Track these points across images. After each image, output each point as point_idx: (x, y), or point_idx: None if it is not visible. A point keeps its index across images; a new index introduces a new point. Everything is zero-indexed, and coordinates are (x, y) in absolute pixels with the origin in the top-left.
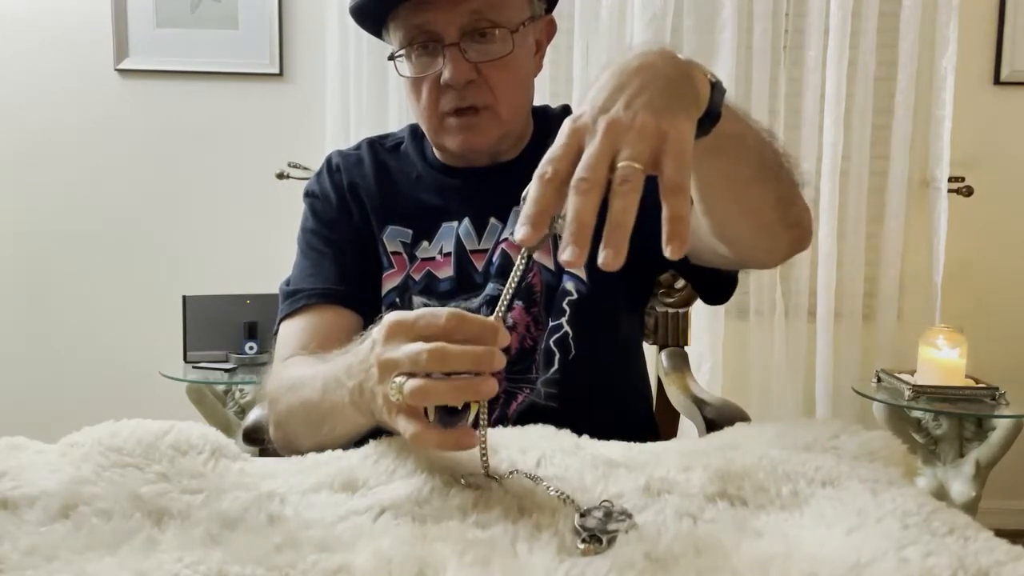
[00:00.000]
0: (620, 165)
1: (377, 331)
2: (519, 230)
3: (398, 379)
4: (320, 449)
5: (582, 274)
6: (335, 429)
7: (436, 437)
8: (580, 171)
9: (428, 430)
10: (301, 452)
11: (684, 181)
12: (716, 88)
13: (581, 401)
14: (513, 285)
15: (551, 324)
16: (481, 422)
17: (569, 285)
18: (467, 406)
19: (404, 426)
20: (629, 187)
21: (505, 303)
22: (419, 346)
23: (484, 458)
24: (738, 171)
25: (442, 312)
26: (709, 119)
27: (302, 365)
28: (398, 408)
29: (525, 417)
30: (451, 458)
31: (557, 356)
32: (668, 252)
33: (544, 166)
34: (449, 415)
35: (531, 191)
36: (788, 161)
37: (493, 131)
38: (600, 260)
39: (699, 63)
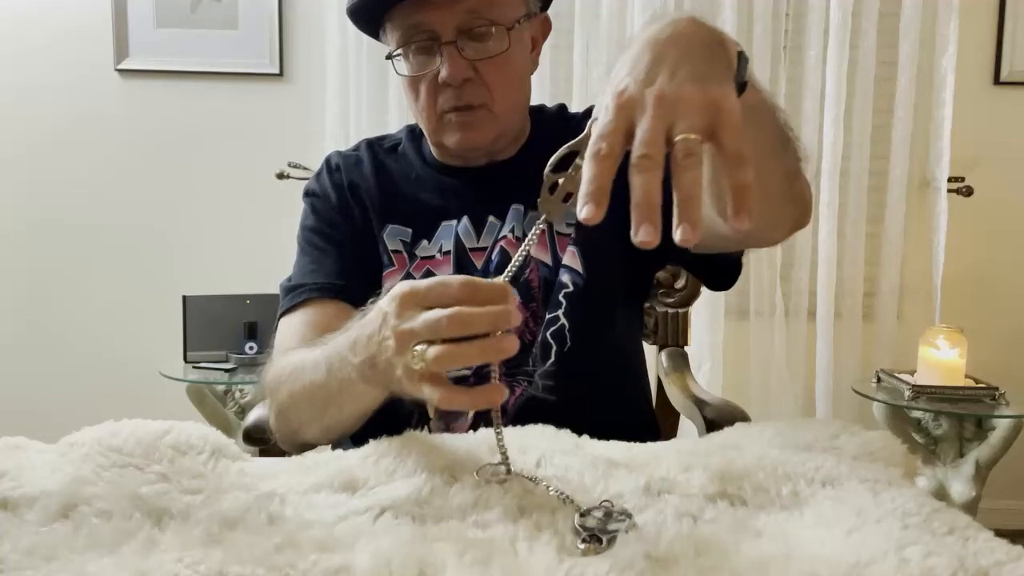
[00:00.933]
0: (678, 139)
1: (387, 303)
2: (584, 210)
3: (419, 347)
4: (327, 433)
5: (579, 267)
6: (343, 409)
7: (466, 398)
8: (640, 147)
9: (456, 393)
10: (305, 440)
11: (746, 150)
12: (741, 57)
13: (579, 393)
14: (528, 249)
15: (548, 317)
16: (495, 418)
17: (565, 278)
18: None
19: (430, 393)
20: (694, 160)
21: (515, 266)
22: (436, 313)
23: (503, 452)
24: (755, 143)
25: (453, 280)
26: (737, 88)
27: (301, 352)
28: (421, 376)
29: (523, 410)
30: (451, 458)
31: (554, 348)
32: (737, 224)
33: (597, 143)
34: (449, 416)
35: (587, 170)
36: (792, 133)
37: (490, 128)
38: (678, 237)
39: (725, 31)
